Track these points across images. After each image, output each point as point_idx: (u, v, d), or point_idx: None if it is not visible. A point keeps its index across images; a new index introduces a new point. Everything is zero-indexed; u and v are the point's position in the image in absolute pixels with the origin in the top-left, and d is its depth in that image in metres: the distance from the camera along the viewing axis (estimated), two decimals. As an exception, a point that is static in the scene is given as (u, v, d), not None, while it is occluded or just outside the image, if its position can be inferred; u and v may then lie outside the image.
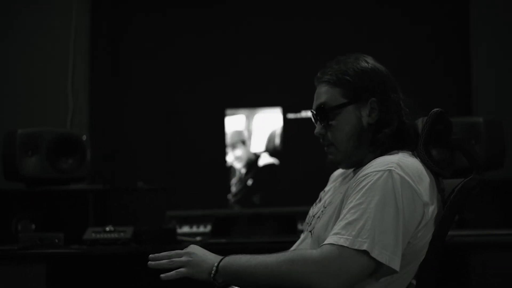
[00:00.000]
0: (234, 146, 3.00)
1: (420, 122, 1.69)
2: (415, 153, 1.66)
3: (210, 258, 1.61)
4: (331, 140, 1.69)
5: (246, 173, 2.98)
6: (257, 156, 3.00)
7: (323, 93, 1.70)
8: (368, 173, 1.53)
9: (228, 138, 2.98)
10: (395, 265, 1.45)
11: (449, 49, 3.42)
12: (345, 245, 1.44)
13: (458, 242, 2.44)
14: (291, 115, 3.01)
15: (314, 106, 1.74)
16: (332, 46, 3.32)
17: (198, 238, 2.78)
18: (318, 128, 1.73)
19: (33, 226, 2.75)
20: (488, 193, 2.76)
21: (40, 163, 2.79)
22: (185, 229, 2.97)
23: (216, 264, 1.57)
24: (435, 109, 1.64)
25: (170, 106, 3.34)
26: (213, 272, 1.57)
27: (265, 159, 3.02)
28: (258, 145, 3.01)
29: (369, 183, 1.51)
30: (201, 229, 2.97)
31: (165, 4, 3.48)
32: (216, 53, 3.41)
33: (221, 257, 1.60)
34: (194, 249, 1.64)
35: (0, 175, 2.87)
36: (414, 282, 1.59)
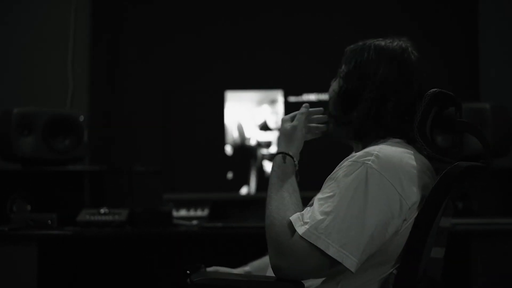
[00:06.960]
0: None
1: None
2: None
3: None
4: None
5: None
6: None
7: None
8: (344, 165, 1.50)
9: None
10: (351, 265, 1.41)
11: (457, 34, 3.35)
12: (310, 240, 1.42)
13: (460, 230, 2.42)
14: (292, 98, 2.95)
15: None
16: (336, 31, 3.21)
17: (195, 222, 2.74)
18: None
19: (29, 207, 2.72)
20: (494, 181, 2.73)
21: (35, 143, 2.76)
22: (183, 212, 2.93)
23: None
24: (432, 89, 1.57)
25: (170, 87, 3.28)
26: None
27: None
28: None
29: (341, 175, 1.48)
30: (199, 212, 2.93)
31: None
32: (217, 34, 3.35)
33: None
34: None
35: (-4, 155, 2.83)
36: (394, 272, 1.50)
